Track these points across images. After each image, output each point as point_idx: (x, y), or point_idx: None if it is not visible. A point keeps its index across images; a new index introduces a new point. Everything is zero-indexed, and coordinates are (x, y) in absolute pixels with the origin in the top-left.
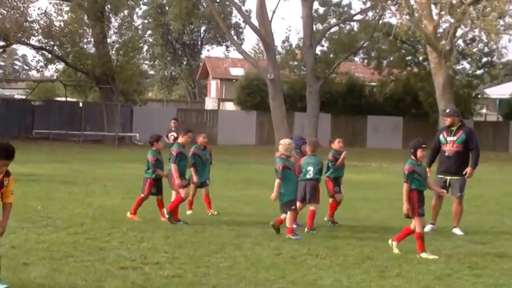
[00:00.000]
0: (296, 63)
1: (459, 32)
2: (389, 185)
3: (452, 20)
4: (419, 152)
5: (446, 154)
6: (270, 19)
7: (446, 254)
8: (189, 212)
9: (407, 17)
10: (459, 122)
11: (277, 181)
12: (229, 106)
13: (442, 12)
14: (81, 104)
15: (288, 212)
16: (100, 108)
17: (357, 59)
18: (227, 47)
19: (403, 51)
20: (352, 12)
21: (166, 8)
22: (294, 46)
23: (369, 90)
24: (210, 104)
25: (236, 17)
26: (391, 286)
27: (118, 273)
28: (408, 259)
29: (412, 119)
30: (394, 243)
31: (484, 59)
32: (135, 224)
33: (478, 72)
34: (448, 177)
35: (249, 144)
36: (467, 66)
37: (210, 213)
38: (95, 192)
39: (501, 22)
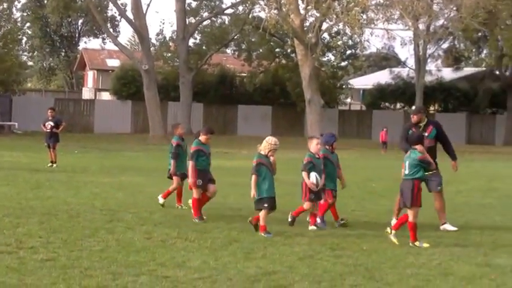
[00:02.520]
0: (170, 54)
1: (325, 26)
2: None
3: (318, 14)
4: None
5: None
6: (144, 12)
7: (309, 236)
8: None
9: (275, 11)
10: (425, 118)
11: (253, 177)
12: (106, 96)
13: (309, 7)
14: None
15: (262, 210)
16: None
17: (228, 51)
18: (103, 39)
19: (271, 43)
20: (224, 6)
21: (45, 1)
22: (167, 38)
23: (240, 81)
24: (87, 93)
25: (112, 10)
26: (256, 267)
27: None
28: (273, 242)
29: (280, 108)
30: (393, 232)
31: (348, 51)
32: (10, 210)
33: (343, 63)
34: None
35: (124, 132)
36: (333, 58)
37: (179, 207)
38: None
39: (364, 16)
